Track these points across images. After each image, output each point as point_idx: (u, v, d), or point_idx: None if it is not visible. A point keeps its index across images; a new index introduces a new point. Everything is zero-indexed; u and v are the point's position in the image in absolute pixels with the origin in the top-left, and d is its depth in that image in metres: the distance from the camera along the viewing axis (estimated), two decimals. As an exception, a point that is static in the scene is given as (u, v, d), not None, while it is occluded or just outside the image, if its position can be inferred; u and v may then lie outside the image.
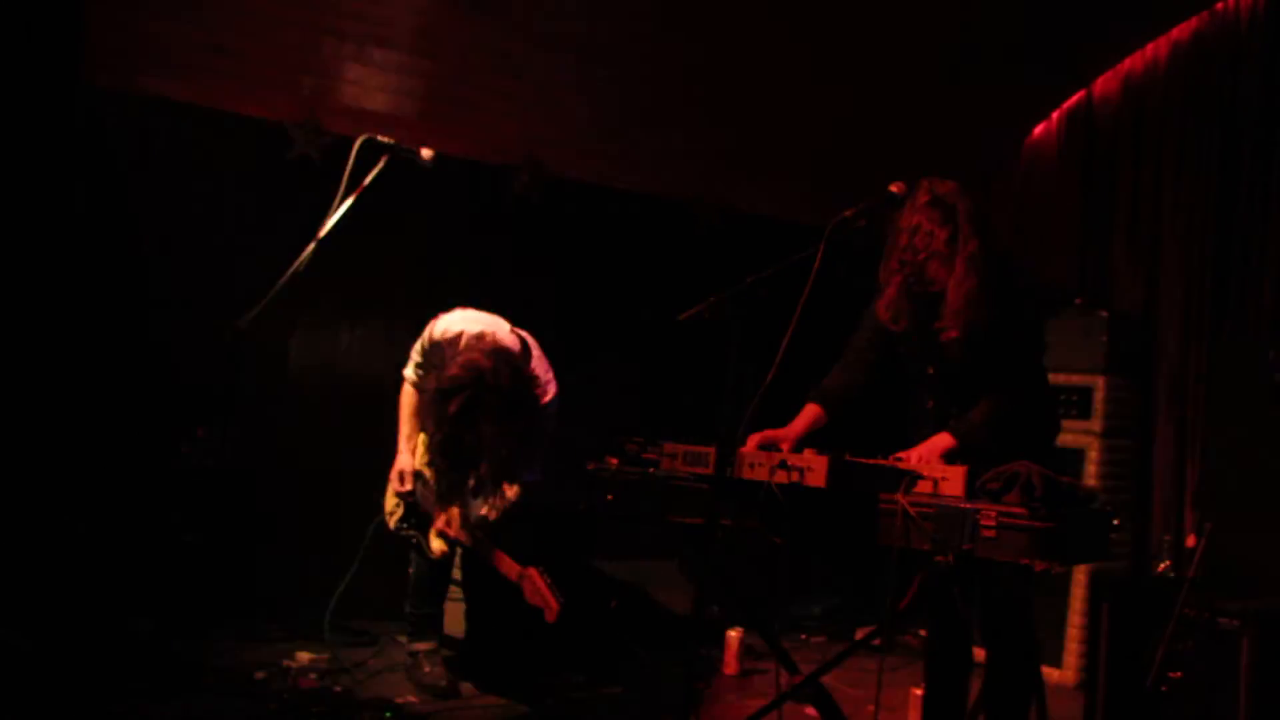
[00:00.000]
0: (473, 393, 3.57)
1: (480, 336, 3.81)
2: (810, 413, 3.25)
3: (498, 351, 3.70)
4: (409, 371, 4.13)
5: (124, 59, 4.69)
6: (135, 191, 4.81)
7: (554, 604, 3.59)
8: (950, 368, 3.16)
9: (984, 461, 2.72)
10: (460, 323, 3.95)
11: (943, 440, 2.98)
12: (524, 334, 4.09)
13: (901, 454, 2.90)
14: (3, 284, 4.39)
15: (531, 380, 3.84)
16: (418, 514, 4.15)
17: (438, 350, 3.96)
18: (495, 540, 3.90)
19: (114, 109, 4.72)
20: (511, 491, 4.00)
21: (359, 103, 5.20)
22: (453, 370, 3.64)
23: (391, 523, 4.22)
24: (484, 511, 4.01)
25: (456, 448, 3.66)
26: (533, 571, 3.68)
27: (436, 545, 4.09)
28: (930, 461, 2.84)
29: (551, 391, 4.04)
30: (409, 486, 4.12)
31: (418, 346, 4.08)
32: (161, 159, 4.87)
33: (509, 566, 3.79)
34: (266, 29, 4.84)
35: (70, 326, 4.58)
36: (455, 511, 4.00)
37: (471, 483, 3.89)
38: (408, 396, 4.14)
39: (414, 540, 4.18)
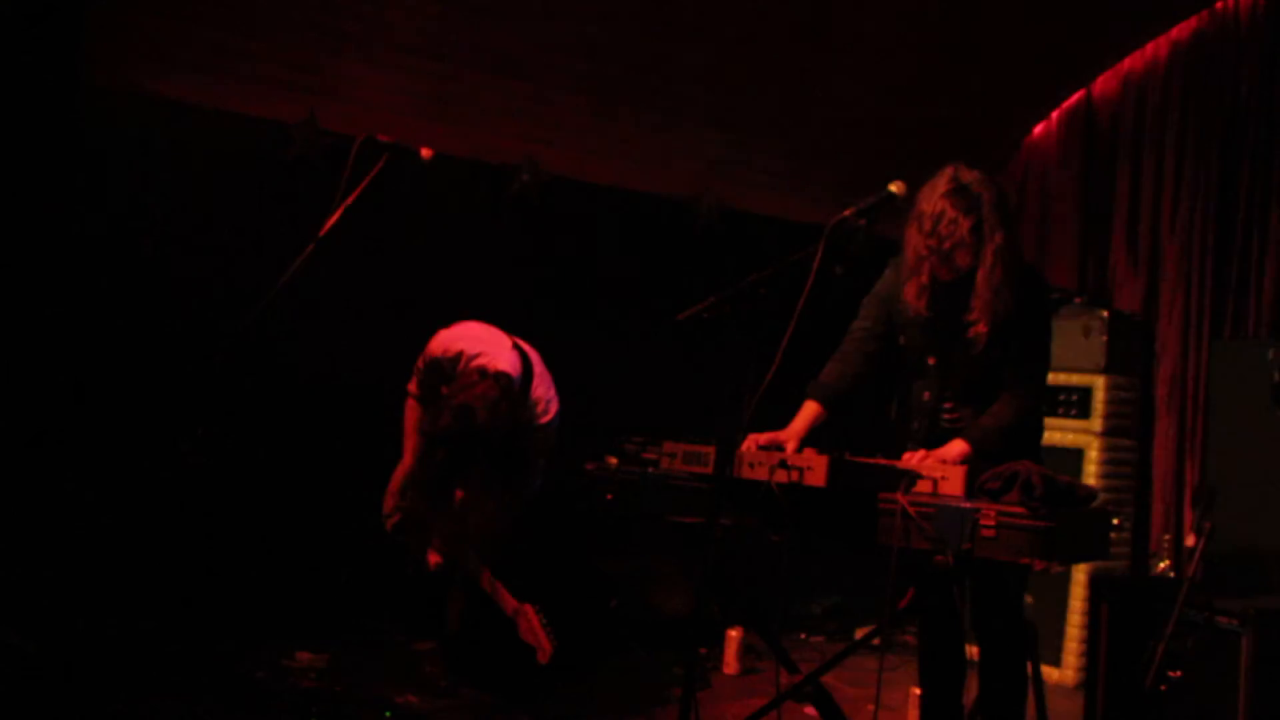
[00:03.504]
0: (463, 444, 3.49)
1: (481, 370, 3.67)
2: (809, 411, 3.22)
3: (492, 395, 3.55)
4: (413, 386, 4.11)
5: (124, 58, 4.69)
6: (135, 190, 4.81)
7: (547, 646, 3.61)
8: (955, 360, 3.13)
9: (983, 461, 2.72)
10: (460, 340, 3.89)
11: (957, 446, 2.95)
12: (527, 348, 4.03)
13: (910, 454, 2.89)
14: (3, 282, 4.39)
15: (527, 421, 3.74)
16: (417, 525, 4.13)
17: (437, 368, 3.92)
18: (493, 560, 3.88)
19: (114, 108, 4.72)
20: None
21: (359, 102, 5.20)
22: (445, 419, 3.53)
23: (389, 525, 4.21)
24: (481, 528, 3.99)
25: (438, 493, 3.64)
26: (528, 609, 3.68)
27: (433, 559, 4.06)
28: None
29: (553, 410, 4.00)
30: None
31: (419, 362, 4.06)
32: (161, 158, 4.87)
33: (505, 599, 3.78)
34: (266, 28, 4.84)
35: (69, 326, 4.58)
36: (451, 530, 3.97)
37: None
38: (411, 411, 4.11)
39: (410, 548, 4.16)
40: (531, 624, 3.64)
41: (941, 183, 3.05)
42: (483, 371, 3.66)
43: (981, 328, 3.04)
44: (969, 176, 3.05)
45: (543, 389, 3.96)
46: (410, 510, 4.10)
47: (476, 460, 3.53)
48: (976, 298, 3.03)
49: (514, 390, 3.69)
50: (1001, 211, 3.04)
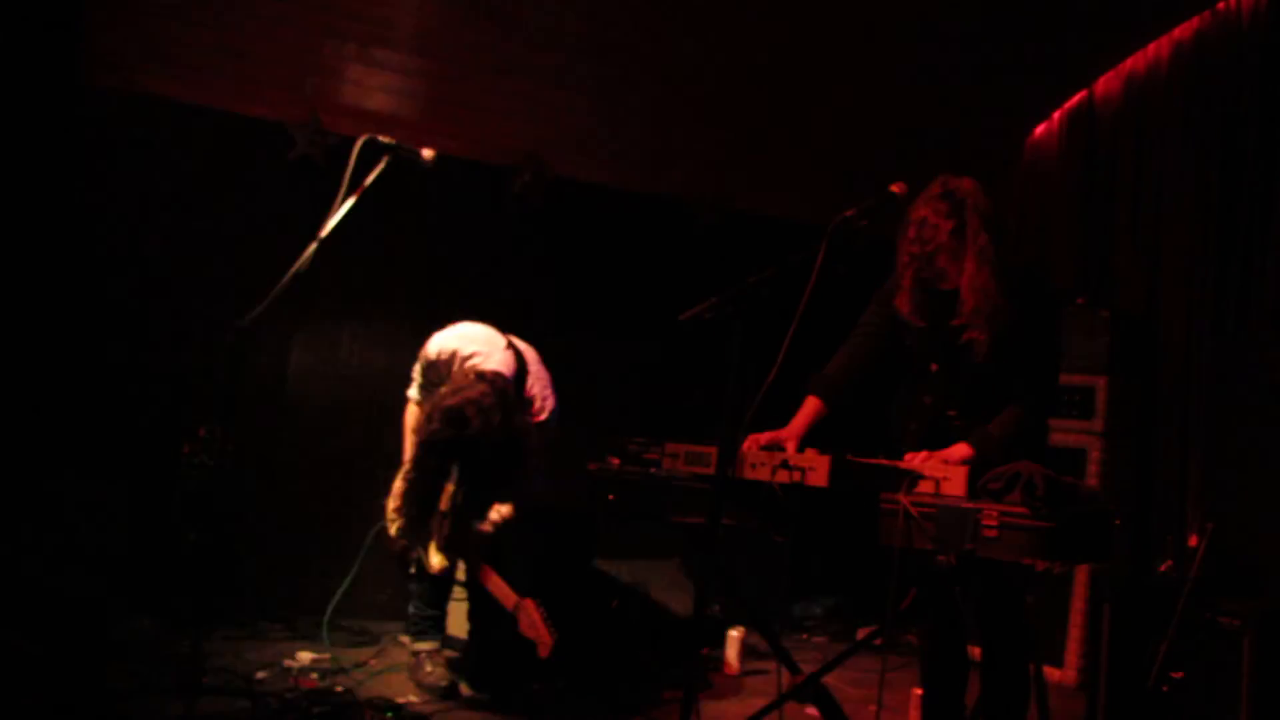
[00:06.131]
0: (454, 450, 3.54)
1: (479, 374, 3.70)
2: (810, 407, 3.21)
3: (487, 401, 3.57)
4: (412, 391, 4.11)
5: (125, 59, 4.69)
6: (137, 191, 4.81)
7: (548, 639, 3.58)
8: (956, 367, 3.13)
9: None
10: (455, 341, 3.90)
11: (960, 450, 2.95)
12: (522, 347, 4.02)
13: (912, 455, 2.89)
14: (4, 283, 4.39)
15: (522, 421, 3.75)
16: (418, 528, 4.12)
17: (434, 369, 3.92)
18: (492, 560, 3.87)
19: (115, 109, 4.73)
20: (506, 509, 3.99)
21: (360, 103, 5.20)
22: (435, 425, 3.56)
23: (393, 530, 4.20)
24: (482, 528, 3.98)
25: (431, 497, 3.65)
26: (529, 603, 3.66)
27: (436, 561, 4.06)
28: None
29: (550, 407, 4.00)
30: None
31: (416, 366, 4.05)
32: (163, 159, 4.88)
33: (505, 595, 3.77)
34: (268, 29, 4.84)
35: (71, 326, 4.58)
36: (449, 531, 3.97)
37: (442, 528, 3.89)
38: (411, 415, 4.11)
39: (414, 555, 4.16)
40: (532, 618, 3.63)
41: (930, 189, 3.09)
42: (479, 375, 3.68)
43: (977, 335, 3.03)
44: (955, 183, 3.08)
45: (538, 387, 3.96)
46: (409, 514, 4.10)
47: (468, 465, 3.54)
48: (963, 304, 3.04)
49: (509, 391, 3.71)
50: (985, 217, 3.04)
